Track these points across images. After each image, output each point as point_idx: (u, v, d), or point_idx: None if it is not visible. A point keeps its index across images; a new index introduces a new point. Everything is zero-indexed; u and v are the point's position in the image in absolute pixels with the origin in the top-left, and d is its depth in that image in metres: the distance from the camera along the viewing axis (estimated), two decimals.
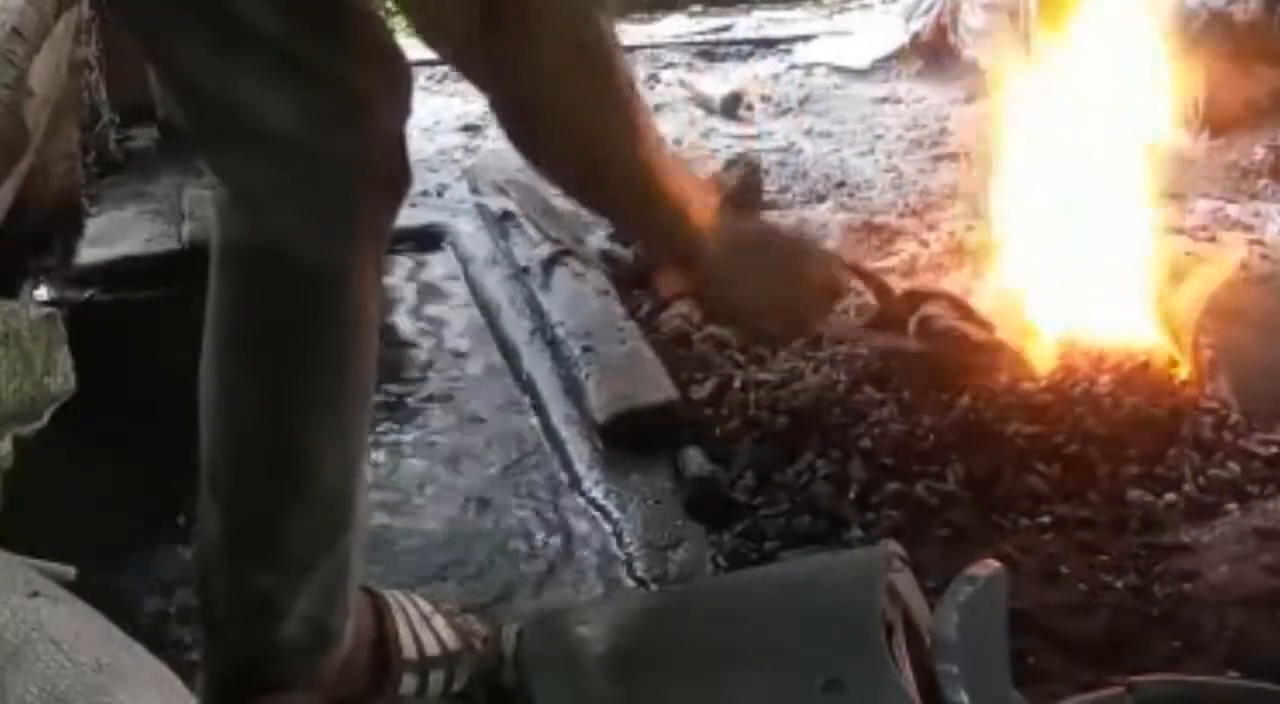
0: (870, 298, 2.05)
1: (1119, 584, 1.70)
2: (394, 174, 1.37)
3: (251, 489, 1.41)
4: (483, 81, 1.31)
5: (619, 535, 1.88)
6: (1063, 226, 2.22)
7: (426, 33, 1.31)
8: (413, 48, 1.36)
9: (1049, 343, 2.11)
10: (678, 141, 3.14)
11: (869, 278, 2.13)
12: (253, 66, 1.26)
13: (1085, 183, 2.24)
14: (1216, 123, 2.88)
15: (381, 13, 1.41)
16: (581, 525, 1.93)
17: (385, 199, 1.37)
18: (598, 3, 1.27)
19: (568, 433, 2.10)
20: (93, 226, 2.84)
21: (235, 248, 1.36)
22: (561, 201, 2.81)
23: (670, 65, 3.82)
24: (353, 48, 1.30)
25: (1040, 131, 2.36)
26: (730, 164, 2.86)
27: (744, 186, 2.76)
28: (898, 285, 2.24)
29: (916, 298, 2.08)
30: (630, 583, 1.80)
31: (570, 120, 1.28)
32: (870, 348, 2.11)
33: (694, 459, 1.98)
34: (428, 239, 2.77)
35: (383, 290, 1.47)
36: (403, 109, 1.36)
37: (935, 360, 2.03)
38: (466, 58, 1.32)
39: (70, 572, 1.17)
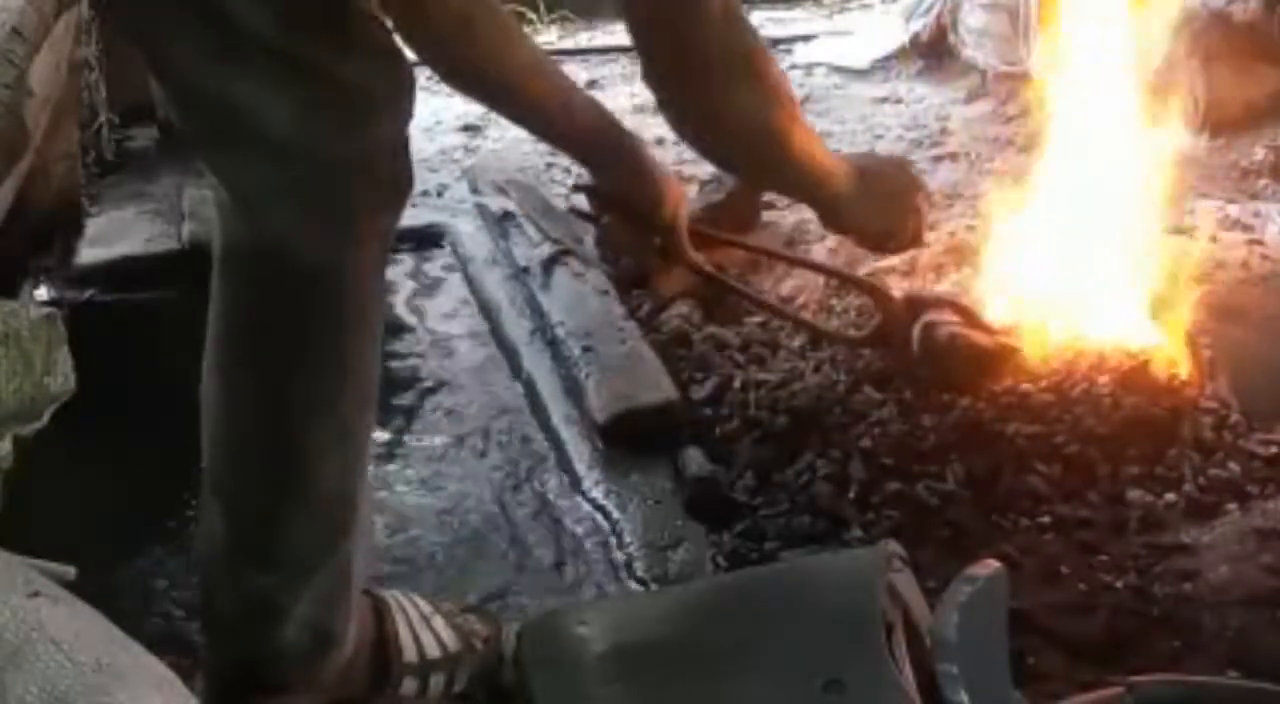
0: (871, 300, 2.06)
1: (1119, 584, 1.70)
2: (396, 176, 1.37)
3: (253, 490, 1.41)
4: (470, 79, 1.50)
5: (619, 535, 1.88)
6: (1062, 226, 2.22)
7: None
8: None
9: (1050, 343, 2.11)
10: (678, 141, 3.14)
11: (869, 287, 2.13)
12: (253, 69, 1.26)
13: (1085, 183, 2.24)
14: (1216, 123, 2.88)
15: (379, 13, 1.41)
16: (581, 525, 1.93)
17: (387, 201, 1.37)
18: (738, 20, 1.62)
19: (568, 433, 2.10)
20: (93, 226, 2.84)
21: (237, 249, 1.36)
22: (562, 201, 2.82)
23: None
24: (354, 50, 1.30)
25: (1040, 132, 2.37)
26: None
27: (744, 186, 2.75)
28: (898, 285, 2.25)
29: (918, 304, 2.08)
30: (630, 583, 1.80)
31: (739, 123, 1.65)
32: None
33: (694, 459, 1.98)
34: (428, 239, 2.77)
35: (385, 292, 1.47)
36: (405, 111, 1.36)
37: (940, 373, 2.03)
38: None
39: (70, 572, 1.17)
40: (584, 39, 4.03)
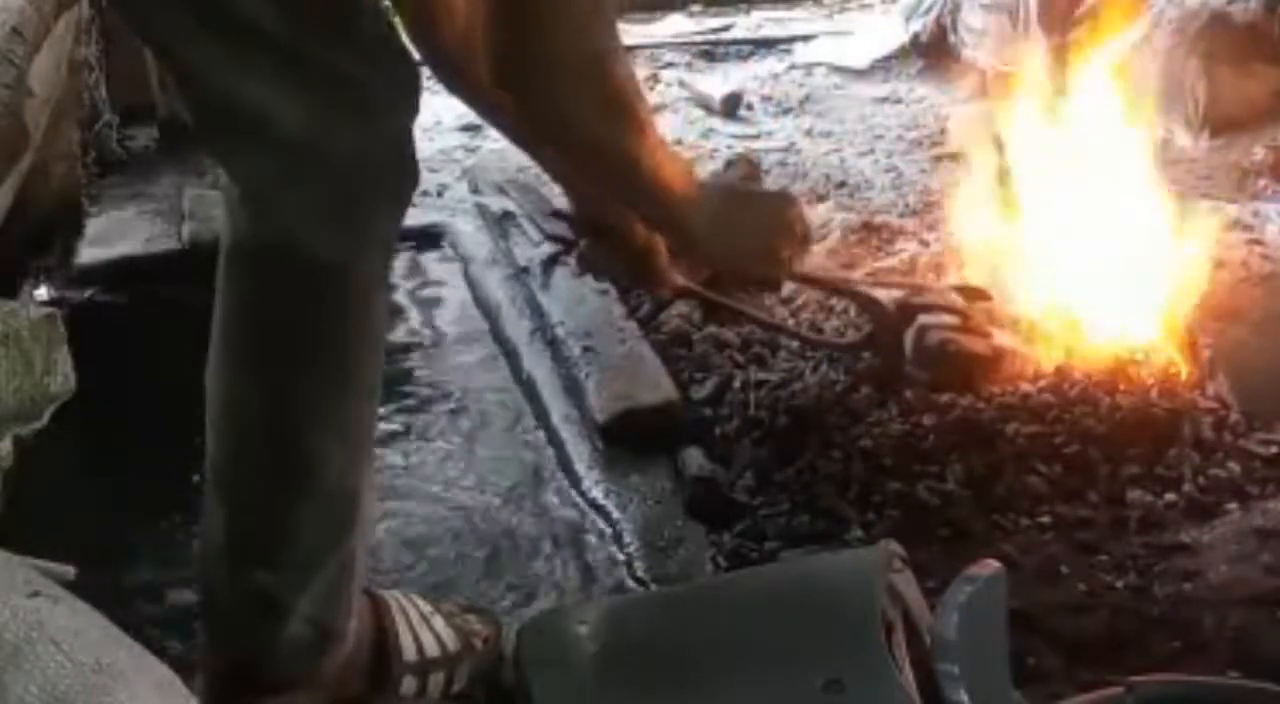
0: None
1: (1119, 584, 1.70)
2: (401, 174, 1.37)
3: (255, 487, 1.41)
4: (475, 92, 1.42)
5: (619, 535, 1.88)
6: (1062, 226, 2.22)
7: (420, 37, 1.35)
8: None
9: (1049, 343, 2.11)
10: (678, 141, 3.14)
11: (861, 298, 2.12)
12: (261, 67, 1.27)
13: (1084, 183, 2.24)
14: (1216, 123, 2.88)
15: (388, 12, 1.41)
16: (581, 526, 1.93)
17: (392, 199, 1.37)
18: (599, 16, 1.37)
19: (568, 433, 2.10)
20: (93, 226, 2.84)
21: (243, 246, 1.36)
22: (562, 201, 2.82)
23: (670, 65, 3.81)
24: (361, 47, 1.31)
25: (1041, 133, 2.37)
26: (730, 164, 2.86)
27: None
28: (899, 284, 2.25)
29: (910, 310, 2.07)
30: (630, 583, 1.80)
31: (578, 133, 1.44)
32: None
33: (694, 459, 1.98)
34: (428, 239, 2.77)
35: (389, 291, 1.48)
36: (411, 108, 1.36)
37: (935, 378, 2.03)
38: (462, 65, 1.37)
39: (70, 572, 1.17)
40: None
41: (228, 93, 1.28)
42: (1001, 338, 2.09)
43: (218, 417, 1.41)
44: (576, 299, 2.37)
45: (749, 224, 1.70)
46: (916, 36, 3.62)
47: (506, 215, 2.68)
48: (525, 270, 2.50)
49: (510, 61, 1.36)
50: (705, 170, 2.80)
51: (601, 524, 1.92)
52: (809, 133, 3.30)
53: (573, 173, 1.71)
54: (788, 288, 2.32)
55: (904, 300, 2.11)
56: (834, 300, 2.27)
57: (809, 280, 2.22)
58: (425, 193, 2.88)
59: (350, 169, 1.31)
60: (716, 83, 3.61)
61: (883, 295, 2.12)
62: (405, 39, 1.39)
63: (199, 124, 1.37)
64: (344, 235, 1.33)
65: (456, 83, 1.48)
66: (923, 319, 2.05)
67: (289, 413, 1.38)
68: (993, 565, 1.43)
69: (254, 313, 1.38)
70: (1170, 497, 1.84)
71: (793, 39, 3.93)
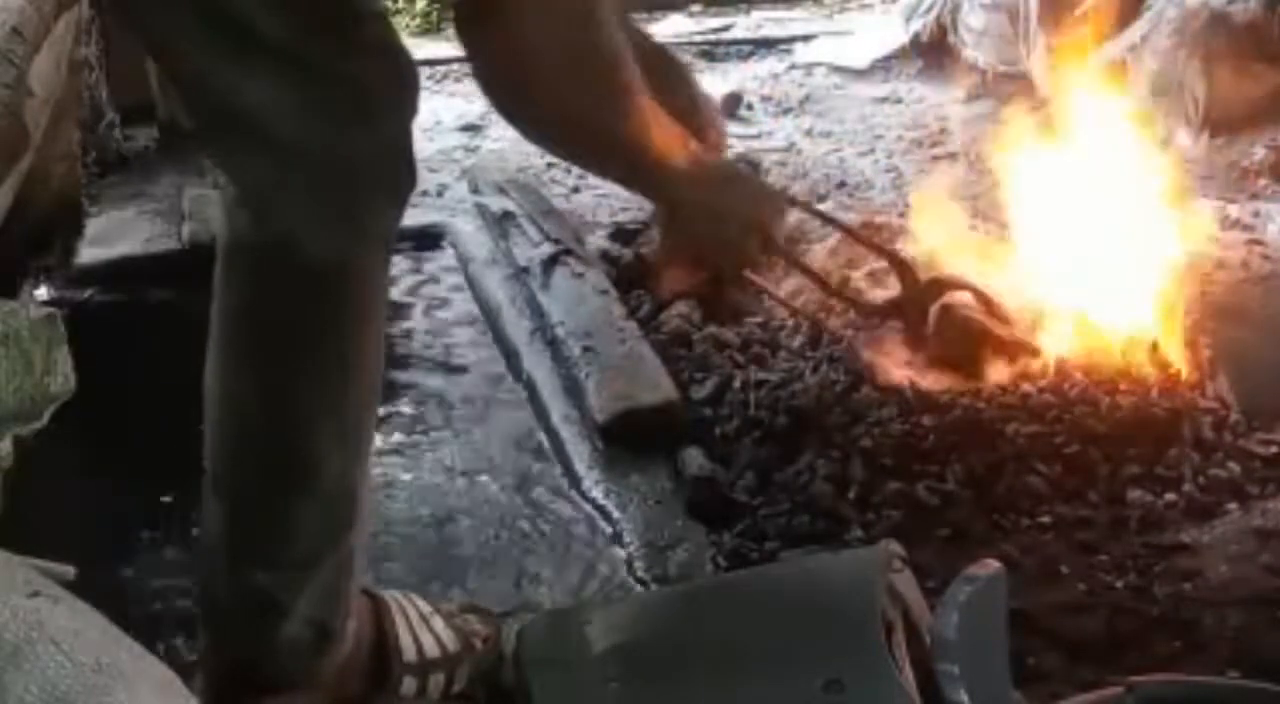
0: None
1: (1119, 584, 1.70)
2: (400, 174, 1.37)
3: (255, 487, 1.41)
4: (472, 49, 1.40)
5: (619, 535, 1.88)
6: (1063, 227, 2.22)
7: None
8: (417, 47, 1.36)
9: (1052, 342, 2.11)
10: None
11: (897, 260, 2.14)
12: (259, 68, 1.27)
13: (1085, 183, 2.24)
14: (1216, 123, 2.88)
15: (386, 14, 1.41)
16: (581, 526, 1.93)
17: (391, 199, 1.37)
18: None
19: (568, 433, 2.10)
20: (93, 226, 2.84)
21: (241, 246, 1.36)
22: (562, 201, 2.82)
23: None
24: (359, 48, 1.31)
25: (1040, 132, 2.37)
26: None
27: None
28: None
29: (942, 285, 2.10)
30: (630, 583, 1.80)
31: (564, 109, 1.43)
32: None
33: (694, 459, 1.98)
34: (428, 239, 2.77)
35: (388, 290, 1.48)
36: (409, 109, 1.36)
37: (950, 352, 2.05)
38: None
39: (70, 572, 1.17)
40: None
41: (226, 94, 1.28)
42: (1019, 329, 2.10)
43: (216, 417, 1.41)
44: (576, 299, 2.37)
45: (726, 210, 1.69)
46: (916, 36, 3.62)
47: (506, 215, 2.68)
48: (525, 270, 2.50)
49: (477, 21, 1.37)
50: None
51: (602, 524, 1.92)
52: (809, 133, 3.30)
53: (544, 143, 1.65)
54: (788, 286, 2.32)
55: (938, 276, 2.15)
56: (833, 300, 2.27)
57: (858, 237, 2.25)
58: (425, 193, 2.88)
59: (349, 169, 1.31)
60: (716, 83, 3.61)
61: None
62: (402, 39, 1.39)
63: (198, 125, 1.37)
64: (343, 235, 1.33)
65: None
66: (951, 295, 2.08)
67: (288, 413, 1.38)
68: (993, 565, 1.43)
69: (253, 313, 1.38)
70: (1170, 497, 1.84)
71: (793, 39, 3.93)
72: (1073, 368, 2.06)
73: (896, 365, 2.10)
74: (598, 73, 1.44)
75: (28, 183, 2.30)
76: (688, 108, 1.67)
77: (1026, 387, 2.03)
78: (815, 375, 2.12)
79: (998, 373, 2.06)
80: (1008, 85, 3.27)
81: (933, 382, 2.06)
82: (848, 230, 2.27)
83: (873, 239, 2.29)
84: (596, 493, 1.97)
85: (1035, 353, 2.08)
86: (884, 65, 3.66)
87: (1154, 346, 2.09)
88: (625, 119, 1.49)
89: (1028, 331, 2.12)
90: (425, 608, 1.57)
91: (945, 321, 2.08)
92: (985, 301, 2.10)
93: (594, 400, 2.10)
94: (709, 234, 1.72)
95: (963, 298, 2.10)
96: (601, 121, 1.48)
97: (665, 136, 1.55)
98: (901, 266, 2.13)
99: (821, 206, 2.75)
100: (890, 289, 2.18)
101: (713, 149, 1.71)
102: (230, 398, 1.40)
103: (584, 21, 1.40)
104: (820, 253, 2.47)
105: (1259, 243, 2.46)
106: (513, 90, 1.43)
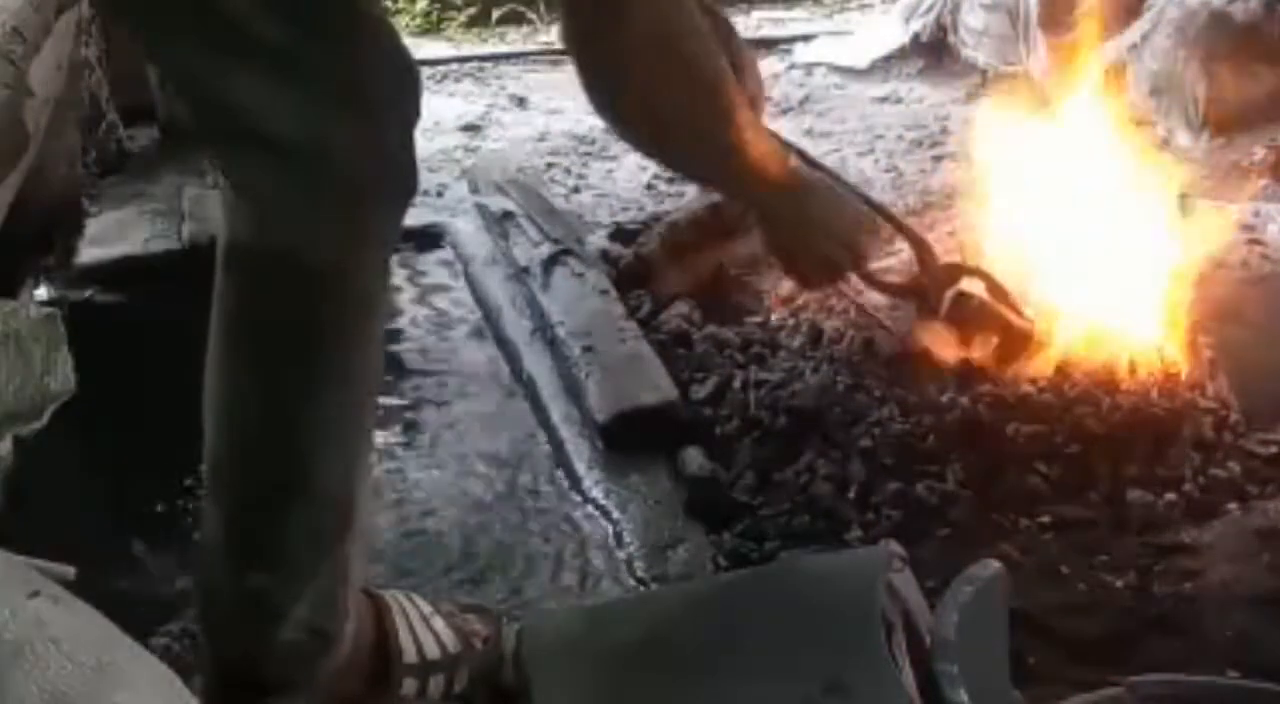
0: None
1: (1119, 584, 1.70)
2: (401, 176, 1.37)
3: (253, 490, 1.41)
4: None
5: (619, 535, 1.89)
6: (1062, 227, 2.22)
7: None
8: (417, 48, 1.35)
9: (1054, 342, 2.11)
10: None
11: (920, 242, 2.14)
12: (258, 70, 1.26)
13: (1085, 183, 2.24)
14: (1216, 123, 2.88)
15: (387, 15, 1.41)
16: (581, 526, 1.93)
17: (392, 201, 1.37)
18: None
19: (568, 433, 2.10)
20: (93, 226, 2.84)
21: (241, 248, 1.36)
22: (562, 201, 2.82)
23: None
24: (359, 50, 1.30)
25: (1040, 132, 2.37)
26: None
27: None
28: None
29: (958, 271, 2.10)
30: (630, 583, 1.80)
31: (656, 106, 1.47)
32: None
33: (694, 459, 1.98)
34: (428, 239, 2.77)
35: (388, 292, 1.48)
36: (410, 110, 1.36)
37: (961, 335, 2.05)
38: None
39: (70, 572, 1.18)
40: None
41: (226, 95, 1.28)
42: (1031, 323, 2.11)
43: (216, 418, 1.41)
44: (576, 299, 2.36)
45: (822, 224, 1.75)
46: (916, 36, 3.62)
47: (506, 215, 2.68)
48: (525, 270, 2.50)
49: (589, 43, 1.43)
50: None
51: (602, 524, 1.92)
52: (809, 133, 3.29)
53: (661, 156, 1.72)
54: (787, 286, 2.32)
55: (957, 263, 2.14)
56: (834, 300, 2.27)
57: (888, 216, 2.21)
58: (425, 193, 2.88)
59: (349, 170, 1.31)
60: None
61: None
62: (403, 41, 1.39)
63: (197, 126, 1.37)
64: (343, 236, 1.33)
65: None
66: (968, 282, 2.08)
67: (287, 414, 1.38)
68: (993, 565, 1.43)
69: (251, 314, 1.37)
70: (1170, 497, 1.84)
71: (793, 39, 3.93)
72: (1073, 368, 2.06)
73: (946, 345, 2.11)
74: (696, 72, 1.48)
75: (28, 183, 2.30)
76: (730, 59, 1.68)
77: (1026, 387, 2.03)
78: (815, 375, 2.12)
79: (1004, 360, 2.06)
80: (1008, 85, 3.27)
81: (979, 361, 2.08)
82: (880, 209, 2.20)
83: (900, 220, 2.28)
84: (596, 493, 1.97)
85: (1041, 345, 2.08)
86: (884, 65, 3.66)
87: (1154, 347, 2.09)
88: (722, 121, 1.53)
89: (1039, 325, 2.12)
90: (426, 608, 1.57)
91: (960, 305, 2.08)
92: (1000, 291, 2.10)
93: (594, 400, 2.10)
94: (803, 246, 1.78)
95: (977, 286, 2.10)
96: (699, 122, 1.52)
97: (760, 143, 1.60)
98: (921, 248, 2.13)
99: None
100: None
101: (751, 100, 1.72)
102: (229, 399, 1.40)
103: (683, 28, 1.45)
104: None
105: (1259, 243, 2.46)
106: (614, 88, 1.47)
